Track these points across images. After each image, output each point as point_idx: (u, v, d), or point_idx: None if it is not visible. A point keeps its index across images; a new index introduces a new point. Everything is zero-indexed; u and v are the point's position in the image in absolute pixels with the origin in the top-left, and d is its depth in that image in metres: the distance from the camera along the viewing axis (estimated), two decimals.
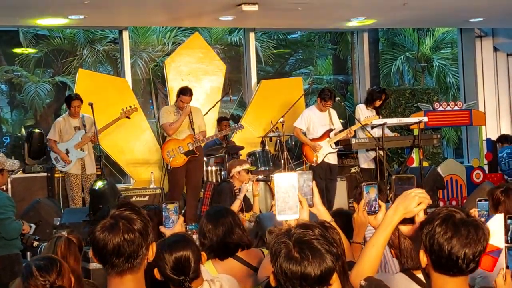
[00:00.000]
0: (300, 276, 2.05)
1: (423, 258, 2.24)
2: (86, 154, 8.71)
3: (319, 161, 8.91)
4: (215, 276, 3.18)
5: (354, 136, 9.18)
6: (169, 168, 8.43)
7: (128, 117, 9.18)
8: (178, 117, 8.51)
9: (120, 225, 2.23)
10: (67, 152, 8.66)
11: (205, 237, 3.67)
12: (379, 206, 2.63)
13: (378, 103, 9.43)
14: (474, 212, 4.07)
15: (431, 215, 2.25)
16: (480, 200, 3.84)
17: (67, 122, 8.82)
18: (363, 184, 2.70)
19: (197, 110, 8.84)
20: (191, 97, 8.61)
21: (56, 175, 9.16)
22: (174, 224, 3.25)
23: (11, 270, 5.37)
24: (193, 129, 8.57)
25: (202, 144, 8.75)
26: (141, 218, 2.27)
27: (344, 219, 3.27)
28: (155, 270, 2.88)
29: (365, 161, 9.40)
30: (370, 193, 2.65)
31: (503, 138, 11.43)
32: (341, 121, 9.55)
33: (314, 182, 2.54)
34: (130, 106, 9.24)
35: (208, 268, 3.40)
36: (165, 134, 8.71)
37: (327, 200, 8.63)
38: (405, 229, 2.39)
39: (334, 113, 9.18)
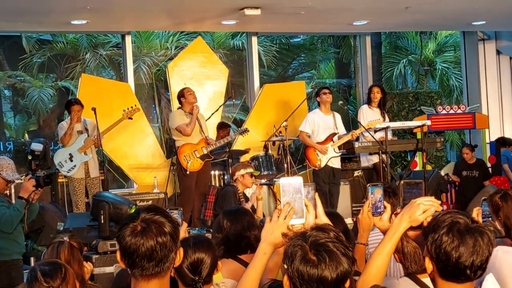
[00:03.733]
0: (317, 279, 2.04)
1: (429, 265, 2.24)
2: (90, 157, 8.70)
3: (322, 165, 8.88)
4: (221, 281, 3.18)
5: (357, 139, 9.17)
6: (187, 172, 8.41)
7: (130, 118, 9.10)
8: (191, 118, 8.51)
9: (152, 228, 2.21)
10: (71, 156, 8.65)
11: (220, 231, 3.69)
12: (384, 207, 2.62)
13: (375, 99, 9.41)
14: (478, 210, 4.07)
15: (434, 222, 2.24)
16: (485, 199, 3.84)
17: (71, 127, 8.80)
18: (368, 185, 2.70)
19: (202, 116, 8.88)
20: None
21: (60, 180, 9.16)
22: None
23: (7, 276, 5.32)
24: (204, 133, 8.62)
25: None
26: (170, 221, 2.26)
27: (334, 220, 3.25)
28: None
29: (366, 161, 9.50)
30: (375, 194, 2.64)
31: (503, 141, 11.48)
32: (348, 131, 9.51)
33: (317, 193, 2.53)
34: (132, 107, 9.15)
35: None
36: (182, 135, 8.49)
37: (330, 205, 8.58)
38: (412, 232, 2.38)
39: (338, 117, 9.12)
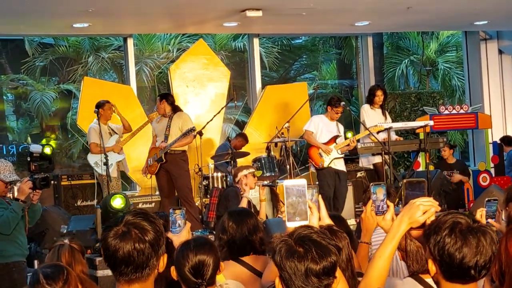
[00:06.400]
0: (305, 269, 2.07)
1: (432, 267, 2.23)
2: (124, 156, 9.00)
3: (325, 165, 8.83)
4: (224, 282, 3.17)
5: (358, 140, 9.15)
6: (146, 175, 8.79)
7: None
8: (158, 125, 8.66)
9: (132, 234, 2.21)
10: (106, 156, 8.66)
11: (224, 233, 3.68)
12: (387, 207, 2.61)
13: (377, 100, 9.39)
14: (482, 211, 4.05)
15: (435, 224, 2.23)
16: (489, 200, 3.81)
17: (102, 128, 8.82)
18: (370, 184, 2.69)
19: (180, 115, 8.68)
20: (161, 101, 8.59)
21: (63, 183, 9.17)
22: (180, 229, 3.23)
23: (9, 278, 5.30)
24: (166, 136, 8.57)
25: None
26: (154, 229, 2.24)
27: (337, 223, 3.25)
28: (172, 268, 2.87)
29: (367, 161, 9.46)
30: (378, 193, 2.63)
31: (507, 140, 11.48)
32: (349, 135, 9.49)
33: (320, 196, 2.53)
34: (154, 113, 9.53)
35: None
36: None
37: (335, 209, 8.48)
38: (415, 232, 2.37)
39: (341, 126, 9.13)
